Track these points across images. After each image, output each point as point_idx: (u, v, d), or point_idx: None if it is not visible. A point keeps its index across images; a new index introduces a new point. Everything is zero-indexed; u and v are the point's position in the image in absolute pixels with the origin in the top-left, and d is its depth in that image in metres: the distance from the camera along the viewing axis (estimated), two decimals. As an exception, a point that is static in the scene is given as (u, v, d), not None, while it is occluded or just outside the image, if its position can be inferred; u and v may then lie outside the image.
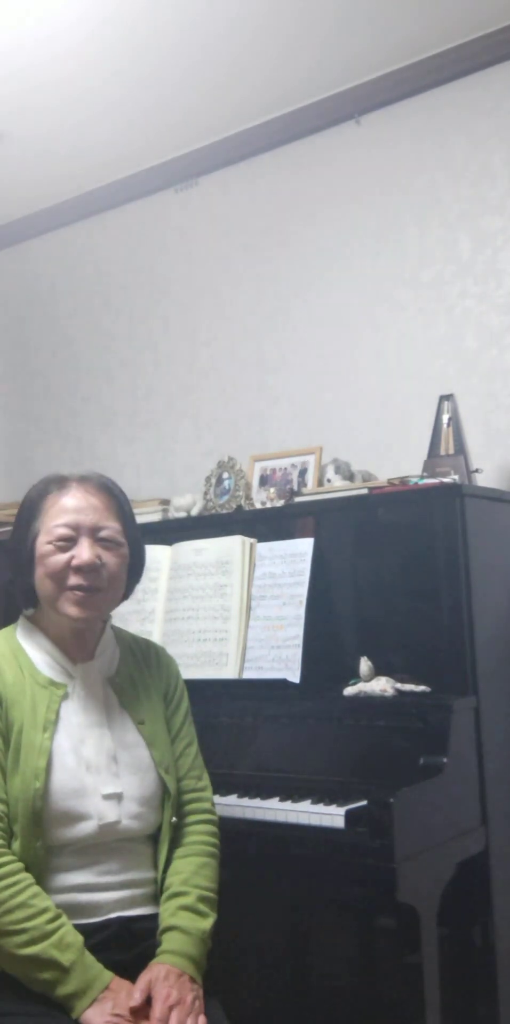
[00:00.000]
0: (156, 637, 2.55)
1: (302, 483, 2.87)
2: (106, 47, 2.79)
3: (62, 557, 1.71)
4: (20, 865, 1.61)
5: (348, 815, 1.95)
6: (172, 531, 2.75)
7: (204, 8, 2.64)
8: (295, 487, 2.82)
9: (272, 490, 2.76)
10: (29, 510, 1.78)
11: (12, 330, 4.05)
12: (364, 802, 1.95)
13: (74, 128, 3.22)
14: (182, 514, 2.95)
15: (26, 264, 3.98)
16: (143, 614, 2.62)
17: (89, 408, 3.78)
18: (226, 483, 2.91)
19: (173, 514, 2.98)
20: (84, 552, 1.71)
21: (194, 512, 2.93)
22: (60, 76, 2.91)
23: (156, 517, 2.98)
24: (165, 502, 3.06)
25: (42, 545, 1.73)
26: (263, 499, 2.82)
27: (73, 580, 1.71)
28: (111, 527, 1.76)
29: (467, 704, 2.16)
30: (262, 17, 2.69)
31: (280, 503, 2.68)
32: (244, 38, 2.79)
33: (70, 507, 1.74)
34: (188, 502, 2.96)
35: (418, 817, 1.95)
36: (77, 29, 2.69)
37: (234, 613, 2.48)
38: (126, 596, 1.85)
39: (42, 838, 1.63)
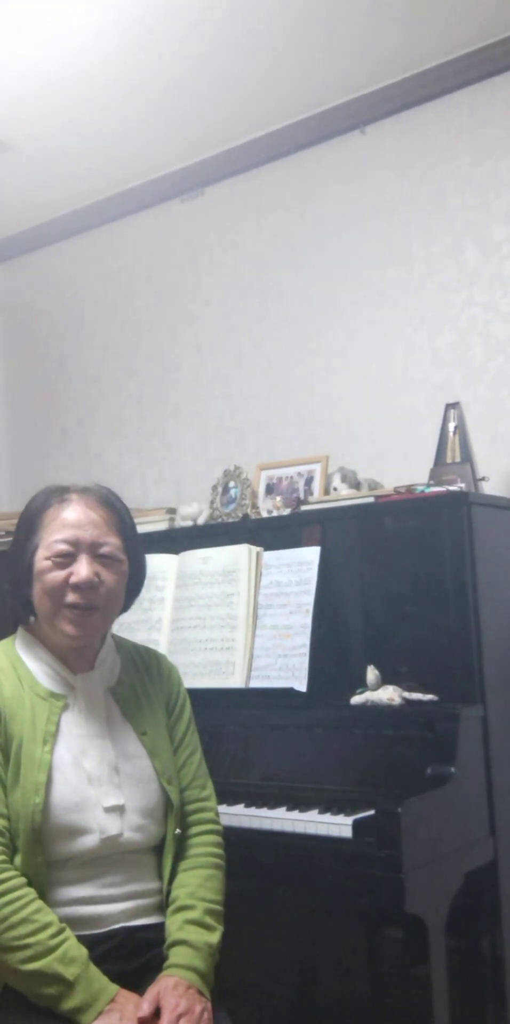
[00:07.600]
0: (163, 646, 2.54)
1: (308, 492, 2.86)
2: (112, 58, 2.80)
3: (60, 574, 1.68)
4: (23, 880, 1.59)
5: (356, 825, 1.94)
6: (178, 540, 2.75)
7: (210, 21, 2.65)
8: (301, 496, 2.82)
9: (278, 499, 2.76)
10: (29, 522, 1.74)
11: (19, 340, 4.06)
12: (372, 812, 1.95)
13: (79, 139, 3.24)
14: (188, 523, 2.94)
15: (33, 275, 3.99)
16: (150, 623, 2.62)
17: (96, 418, 3.79)
18: (232, 492, 2.91)
19: (179, 523, 2.98)
20: (82, 570, 1.68)
21: (200, 521, 2.93)
22: (65, 87, 2.93)
23: (163, 526, 2.98)
24: (172, 511, 3.06)
25: (41, 560, 1.70)
26: (269, 508, 2.82)
27: (70, 598, 1.68)
28: (111, 543, 1.72)
29: (475, 713, 2.15)
30: (267, 29, 2.70)
31: (286, 512, 2.68)
32: (249, 50, 2.80)
33: (70, 522, 1.70)
34: (195, 511, 2.96)
35: (426, 827, 1.94)
36: (83, 41, 2.71)
37: (241, 622, 2.48)
38: (125, 609, 1.82)
39: (43, 853, 1.61)
